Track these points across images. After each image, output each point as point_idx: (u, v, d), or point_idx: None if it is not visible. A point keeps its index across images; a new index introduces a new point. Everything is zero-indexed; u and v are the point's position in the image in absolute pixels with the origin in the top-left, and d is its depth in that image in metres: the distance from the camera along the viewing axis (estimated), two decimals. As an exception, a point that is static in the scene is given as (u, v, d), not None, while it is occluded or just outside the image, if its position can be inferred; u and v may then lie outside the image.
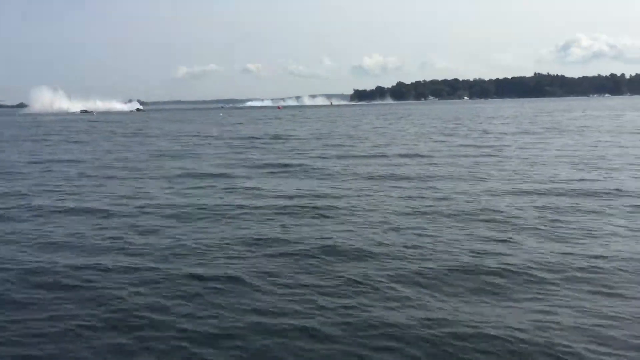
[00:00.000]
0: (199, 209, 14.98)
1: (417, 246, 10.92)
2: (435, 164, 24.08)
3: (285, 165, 24.46)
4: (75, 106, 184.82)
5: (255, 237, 11.86)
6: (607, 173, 20.05)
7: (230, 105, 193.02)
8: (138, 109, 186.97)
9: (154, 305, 8.17)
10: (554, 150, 28.37)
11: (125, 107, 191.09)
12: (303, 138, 42.88)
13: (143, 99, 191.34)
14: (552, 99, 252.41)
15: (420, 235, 11.84)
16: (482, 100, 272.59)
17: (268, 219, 13.61)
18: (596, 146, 29.99)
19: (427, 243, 11.11)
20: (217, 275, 9.42)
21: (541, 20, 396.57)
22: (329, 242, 11.20)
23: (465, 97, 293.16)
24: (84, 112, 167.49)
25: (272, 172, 22.49)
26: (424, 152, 28.82)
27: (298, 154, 30.12)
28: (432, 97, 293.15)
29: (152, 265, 10.11)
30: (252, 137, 44.45)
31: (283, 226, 12.89)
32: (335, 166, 24.02)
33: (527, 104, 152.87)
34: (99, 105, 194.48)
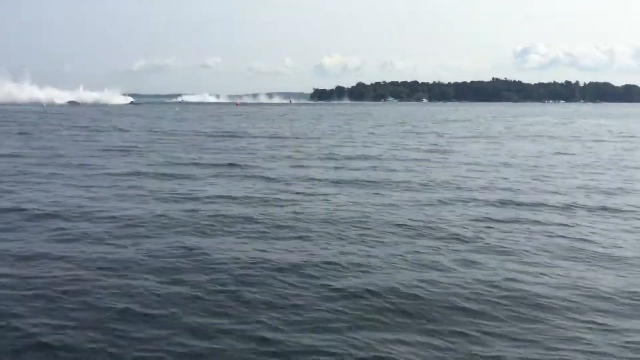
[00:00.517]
0: (125, 218, 13.87)
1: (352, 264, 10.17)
2: (384, 167, 23.54)
3: (232, 165, 23.46)
4: (59, 96, 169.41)
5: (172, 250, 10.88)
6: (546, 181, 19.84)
7: (187, 100, 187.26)
8: (132, 102, 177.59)
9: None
10: (502, 156, 28.25)
11: (117, 100, 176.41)
12: (257, 136, 42.02)
13: (96, 90, 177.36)
14: (509, 103, 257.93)
15: (354, 245, 11.11)
16: (441, 103, 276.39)
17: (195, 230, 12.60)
18: (541, 153, 30.12)
19: (360, 259, 10.37)
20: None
21: (499, 26, 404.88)
22: (263, 257, 10.32)
23: (425, 100, 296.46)
24: (72, 103, 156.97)
25: (218, 173, 21.43)
26: (373, 154, 28.28)
27: (248, 153, 29.16)
28: (391, 99, 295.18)
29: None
30: (205, 134, 43.27)
31: (207, 236, 11.96)
32: (282, 168, 23.18)
33: (482, 108, 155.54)
34: (84, 96, 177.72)
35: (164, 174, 20.74)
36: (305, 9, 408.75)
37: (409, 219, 13.39)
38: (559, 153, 29.79)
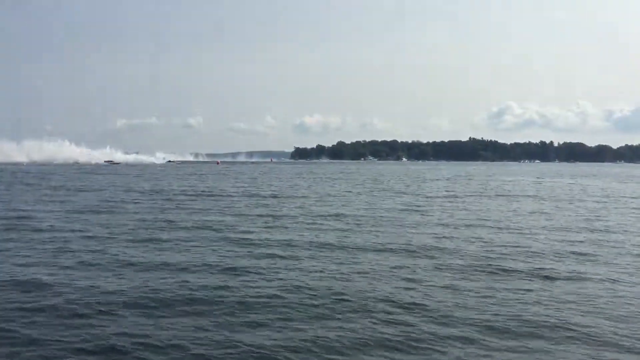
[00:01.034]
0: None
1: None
2: (356, 226, 23.42)
3: (207, 228, 23.11)
4: (95, 156, 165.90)
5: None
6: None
7: (169, 159, 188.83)
8: (169, 162, 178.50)
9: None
10: (475, 215, 28.36)
11: (155, 160, 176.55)
12: (233, 194, 41.89)
13: (76, 149, 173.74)
14: (486, 163, 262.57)
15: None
16: (420, 162, 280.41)
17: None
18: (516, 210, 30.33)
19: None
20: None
21: (476, 88, 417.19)
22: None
23: (404, 159, 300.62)
24: (110, 162, 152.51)
25: (187, 236, 21.09)
26: (348, 213, 28.21)
27: (221, 211, 28.89)
28: (371, 157, 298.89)
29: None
30: (183, 193, 42.99)
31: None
32: (257, 229, 22.94)
33: (460, 167, 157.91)
34: (119, 156, 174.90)
35: (133, 240, 20.39)
36: (286, 70, 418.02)
37: (385, 291, 13.18)
38: (534, 212, 30.03)
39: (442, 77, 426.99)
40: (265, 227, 23.04)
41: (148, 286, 12.66)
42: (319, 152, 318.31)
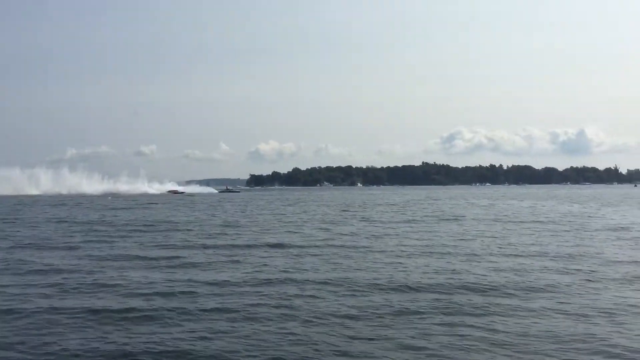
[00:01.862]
0: None
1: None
2: (303, 255, 23.19)
3: (151, 259, 22.44)
4: (157, 187, 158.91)
5: None
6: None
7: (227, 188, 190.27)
8: (228, 189, 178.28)
9: None
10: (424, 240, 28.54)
11: (212, 190, 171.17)
12: (181, 223, 41.07)
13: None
14: (439, 186, 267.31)
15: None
16: (374, 187, 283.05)
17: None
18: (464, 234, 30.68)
19: None
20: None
21: (427, 114, 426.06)
22: None
23: (359, 184, 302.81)
24: (174, 192, 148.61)
25: (125, 267, 20.39)
26: (296, 243, 27.93)
27: (167, 244, 28.14)
28: (326, 183, 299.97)
29: None
30: (127, 224, 41.73)
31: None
32: (200, 258, 22.40)
33: (413, 191, 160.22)
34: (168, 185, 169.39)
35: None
36: (240, 97, 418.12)
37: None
38: (482, 236, 30.43)
39: (395, 103, 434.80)
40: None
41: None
42: (275, 178, 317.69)
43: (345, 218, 46.95)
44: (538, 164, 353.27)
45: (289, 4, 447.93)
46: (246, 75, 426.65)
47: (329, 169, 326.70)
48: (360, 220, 43.59)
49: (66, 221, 44.50)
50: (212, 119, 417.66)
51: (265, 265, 20.52)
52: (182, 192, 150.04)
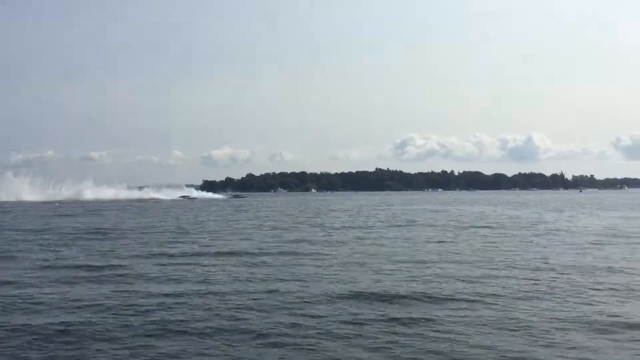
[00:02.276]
0: None
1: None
2: (259, 263, 22.86)
3: (95, 268, 21.67)
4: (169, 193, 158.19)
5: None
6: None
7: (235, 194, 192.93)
8: (235, 196, 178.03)
9: None
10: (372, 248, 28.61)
11: (219, 196, 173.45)
12: (129, 230, 39.99)
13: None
14: (392, 192, 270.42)
15: None
16: (329, 192, 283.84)
17: None
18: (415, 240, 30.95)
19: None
20: None
21: (381, 120, 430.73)
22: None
23: (313, 190, 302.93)
24: (186, 197, 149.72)
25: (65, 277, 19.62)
26: (248, 250, 27.53)
27: (116, 253, 27.27)
28: (280, 189, 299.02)
29: None
30: (76, 231, 40.27)
31: None
32: (145, 269, 21.75)
33: (366, 197, 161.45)
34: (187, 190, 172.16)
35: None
36: (193, 103, 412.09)
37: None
38: (430, 241, 30.72)
39: (349, 109, 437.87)
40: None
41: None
42: (227, 184, 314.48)
43: (299, 224, 46.71)
44: (488, 170, 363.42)
45: (245, 6, 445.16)
46: (200, 81, 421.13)
47: (283, 174, 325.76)
48: (314, 227, 43.44)
49: (9, 229, 42.66)
50: (165, 124, 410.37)
51: (211, 274, 20.10)
52: (195, 198, 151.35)
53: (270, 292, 16.54)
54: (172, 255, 25.62)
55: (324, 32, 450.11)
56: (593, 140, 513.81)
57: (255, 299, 15.53)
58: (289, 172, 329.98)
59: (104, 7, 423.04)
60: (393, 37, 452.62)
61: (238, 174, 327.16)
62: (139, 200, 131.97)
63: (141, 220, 53.79)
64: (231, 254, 26.14)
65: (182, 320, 13.27)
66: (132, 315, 13.90)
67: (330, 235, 35.40)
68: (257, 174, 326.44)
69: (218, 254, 26.12)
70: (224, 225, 46.98)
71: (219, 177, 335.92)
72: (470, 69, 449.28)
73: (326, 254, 25.45)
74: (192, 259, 24.51)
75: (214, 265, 22.27)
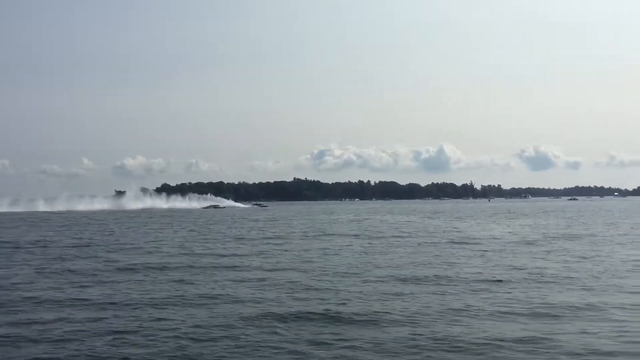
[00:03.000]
0: None
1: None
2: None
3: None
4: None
5: None
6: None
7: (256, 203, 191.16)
8: (257, 204, 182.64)
9: None
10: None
11: (242, 205, 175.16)
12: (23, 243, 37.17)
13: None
14: (310, 202, 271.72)
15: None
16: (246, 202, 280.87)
17: None
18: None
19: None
20: None
21: (299, 130, 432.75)
22: None
23: (230, 200, 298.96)
24: (214, 207, 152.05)
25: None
26: (152, 264, 26.06)
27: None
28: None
29: None
30: None
31: None
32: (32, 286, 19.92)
33: (285, 207, 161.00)
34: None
35: None
36: (105, 110, 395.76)
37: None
38: (345, 251, 30.49)
39: (267, 118, 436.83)
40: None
41: None
42: (143, 194, 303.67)
43: (217, 237, 45.31)
44: (403, 180, 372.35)
45: (161, 16, 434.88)
46: (111, 88, 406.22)
47: (199, 185, 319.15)
48: (233, 240, 42.25)
49: None
50: (74, 132, 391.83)
51: (119, 290, 18.69)
52: (224, 207, 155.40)
53: (158, 319, 15.46)
54: (62, 271, 23.75)
55: (242, 40, 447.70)
56: (500, 151, 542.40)
57: (148, 313, 14.39)
58: (205, 182, 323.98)
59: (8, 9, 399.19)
60: (308, 46, 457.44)
61: (152, 184, 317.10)
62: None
63: (42, 234, 50.31)
64: (132, 269, 24.64)
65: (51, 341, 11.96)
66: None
67: (249, 247, 34.41)
68: (172, 184, 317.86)
69: (118, 269, 24.50)
70: (139, 237, 44.77)
71: (133, 186, 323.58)
72: (386, 81, 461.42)
73: (240, 267, 24.53)
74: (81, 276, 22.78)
75: (114, 282, 20.77)
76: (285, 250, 31.75)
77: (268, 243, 37.17)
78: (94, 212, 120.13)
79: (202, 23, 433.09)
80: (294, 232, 47.85)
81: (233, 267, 24.44)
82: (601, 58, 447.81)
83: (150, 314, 14.94)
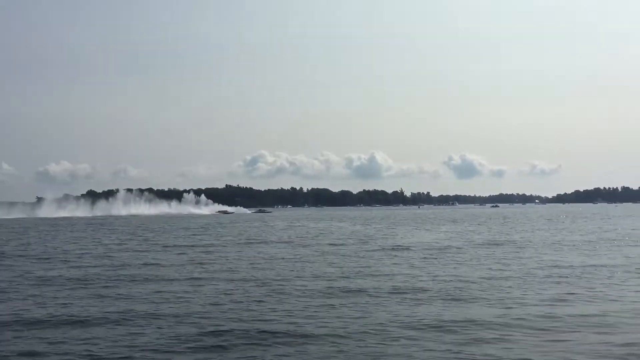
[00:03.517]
0: None
1: None
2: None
3: None
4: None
5: None
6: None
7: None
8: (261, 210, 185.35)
9: None
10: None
11: (247, 210, 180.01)
12: None
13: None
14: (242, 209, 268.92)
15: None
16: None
17: None
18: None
19: None
20: None
21: (230, 136, 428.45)
22: None
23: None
24: (223, 212, 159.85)
25: None
26: (67, 275, 25.01)
27: None
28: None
29: None
30: None
31: None
32: None
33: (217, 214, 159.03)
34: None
35: None
36: (25, 115, 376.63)
37: None
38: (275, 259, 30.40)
39: (198, 124, 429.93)
40: None
41: None
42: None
43: (148, 246, 44.05)
44: (335, 187, 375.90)
45: (87, 17, 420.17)
46: (32, 89, 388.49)
47: (128, 191, 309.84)
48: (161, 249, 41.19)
49: None
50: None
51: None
52: (232, 213, 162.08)
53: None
54: None
55: (170, 44, 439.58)
56: (429, 160, 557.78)
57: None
58: (134, 188, 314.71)
59: None
60: (239, 52, 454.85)
61: (78, 191, 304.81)
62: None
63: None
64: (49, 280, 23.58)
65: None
66: None
67: (181, 256, 33.64)
68: (99, 190, 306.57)
69: (37, 277, 23.36)
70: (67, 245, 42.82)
71: (57, 193, 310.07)
72: (319, 88, 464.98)
73: (168, 276, 23.91)
74: None
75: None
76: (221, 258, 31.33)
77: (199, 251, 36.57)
78: (10, 220, 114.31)
79: (127, 24, 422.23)
80: (229, 239, 47.30)
81: (154, 278, 23.77)
82: (521, 74, 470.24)
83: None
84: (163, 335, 13.33)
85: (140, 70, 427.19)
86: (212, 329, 13.89)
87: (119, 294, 19.39)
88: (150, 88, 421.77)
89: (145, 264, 29.04)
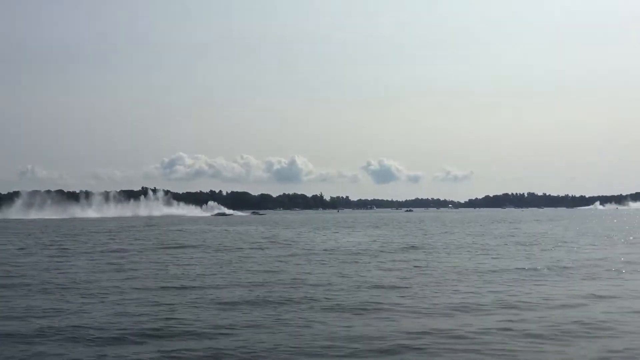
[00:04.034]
0: None
1: None
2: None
3: None
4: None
5: None
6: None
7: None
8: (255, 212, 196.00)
9: None
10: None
11: (244, 213, 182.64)
12: None
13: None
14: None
15: None
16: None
17: None
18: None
19: None
20: None
21: (145, 138, 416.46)
22: None
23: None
24: (221, 214, 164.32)
25: None
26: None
27: None
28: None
29: None
30: None
31: None
32: None
33: (131, 217, 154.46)
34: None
35: None
36: None
37: None
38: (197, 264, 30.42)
39: (110, 125, 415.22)
40: None
41: None
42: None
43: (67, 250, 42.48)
44: (255, 191, 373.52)
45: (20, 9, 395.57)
46: None
47: (36, 193, 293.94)
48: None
49: None
50: None
51: None
52: (231, 214, 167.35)
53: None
54: None
55: (83, 41, 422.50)
56: (348, 164, 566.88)
57: None
58: (43, 190, 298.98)
59: None
60: (156, 52, 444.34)
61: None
62: None
63: None
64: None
65: None
66: None
67: (100, 263, 32.87)
68: (3, 192, 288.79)
69: None
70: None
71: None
72: (238, 92, 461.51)
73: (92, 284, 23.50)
74: None
75: None
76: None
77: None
78: None
79: (42, 22, 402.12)
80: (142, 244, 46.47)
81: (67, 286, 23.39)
82: (436, 81, 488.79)
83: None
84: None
85: (53, 67, 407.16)
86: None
87: None
88: (63, 85, 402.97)
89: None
